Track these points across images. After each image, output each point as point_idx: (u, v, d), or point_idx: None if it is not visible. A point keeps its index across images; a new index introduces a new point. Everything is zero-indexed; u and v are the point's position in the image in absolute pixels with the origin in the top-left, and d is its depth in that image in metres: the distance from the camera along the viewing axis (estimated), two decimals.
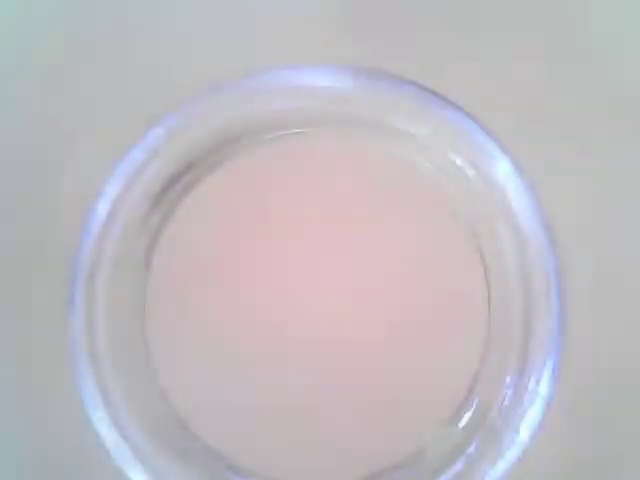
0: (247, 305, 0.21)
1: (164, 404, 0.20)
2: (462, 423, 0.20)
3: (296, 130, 0.21)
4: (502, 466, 0.18)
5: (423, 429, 0.20)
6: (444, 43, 0.22)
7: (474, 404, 0.20)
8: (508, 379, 0.19)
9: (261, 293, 0.21)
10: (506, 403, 0.19)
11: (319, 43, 0.22)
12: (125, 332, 0.20)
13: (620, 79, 0.22)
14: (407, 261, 0.21)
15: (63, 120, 0.22)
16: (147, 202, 0.20)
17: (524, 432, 0.18)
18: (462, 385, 0.20)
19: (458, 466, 0.19)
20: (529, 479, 0.20)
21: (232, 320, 0.21)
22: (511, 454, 0.18)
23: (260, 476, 0.20)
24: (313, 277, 0.21)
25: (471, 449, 0.19)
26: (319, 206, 0.21)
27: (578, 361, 0.20)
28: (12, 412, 0.21)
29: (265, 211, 0.21)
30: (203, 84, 0.19)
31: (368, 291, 0.21)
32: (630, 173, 0.22)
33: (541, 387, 0.19)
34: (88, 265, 0.19)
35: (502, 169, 0.19)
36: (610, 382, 0.21)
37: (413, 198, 0.21)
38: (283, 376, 0.21)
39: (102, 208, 0.19)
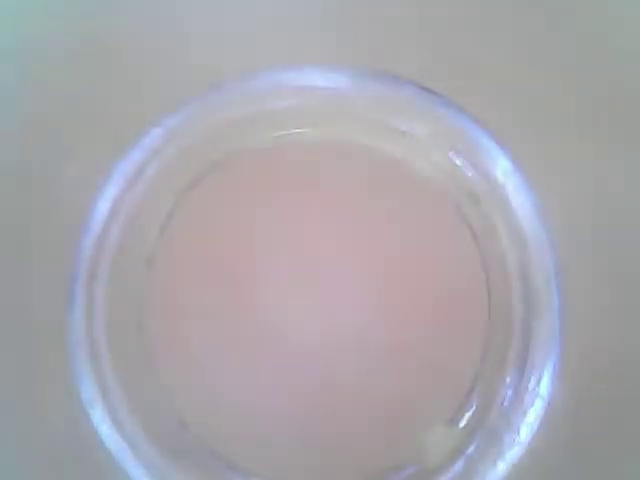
0: (247, 305, 0.21)
1: (164, 404, 0.20)
2: (462, 423, 0.20)
3: (296, 130, 0.21)
4: (502, 466, 0.18)
5: (423, 429, 0.20)
6: (444, 43, 0.22)
7: (474, 404, 0.20)
8: (508, 379, 0.19)
9: (261, 293, 0.21)
10: (506, 403, 0.19)
11: (319, 43, 0.22)
12: (125, 332, 0.20)
13: (621, 79, 0.22)
14: (407, 261, 0.21)
15: (63, 120, 0.22)
16: (147, 202, 0.20)
17: (524, 432, 0.18)
18: (462, 385, 0.20)
19: (458, 466, 0.19)
20: (529, 479, 0.20)
21: (232, 320, 0.21)
22: (511, 454, 0.18)
23: (260, 476, 0.20)
24: (313, 277, 0.21)
25: (471, 449, 0.19)
26: (319, 206, 0.21)
27: (578, 361, 0.20)
28: (12, 412, 0.21)
29: (265, 211, 0.21)
30: (203, 84, 0.19)
31: (368, 291, 0.21)
32: (630, 173, 0.22)
33: (541, 387, 0.19)
34: (88, 265, 0.19)
35: (502, 169, 0.19)
36: (610, 382, 0.21)
37: (413, 198, 0.21)
38: (283, 376, 0.21)
39: (102, 208, 0.19)
